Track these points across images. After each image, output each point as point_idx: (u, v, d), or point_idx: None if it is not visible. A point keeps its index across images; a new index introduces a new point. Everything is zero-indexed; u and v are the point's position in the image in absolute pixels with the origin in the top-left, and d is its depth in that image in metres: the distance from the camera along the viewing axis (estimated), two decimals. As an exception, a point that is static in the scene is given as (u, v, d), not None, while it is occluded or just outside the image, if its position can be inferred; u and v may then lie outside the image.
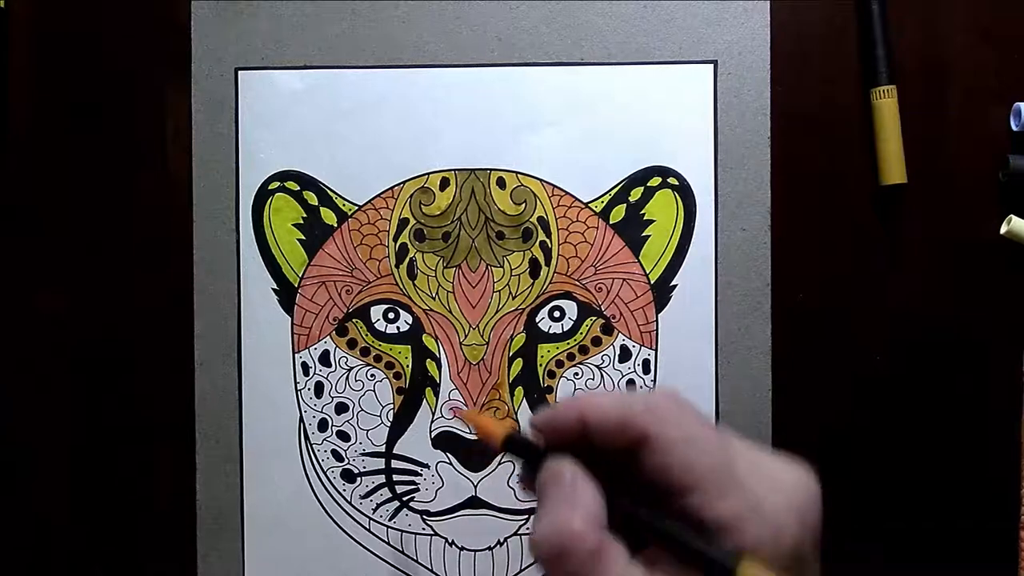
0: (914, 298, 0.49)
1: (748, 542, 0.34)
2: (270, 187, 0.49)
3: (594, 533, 0.35)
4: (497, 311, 0.49)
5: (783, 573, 0.33)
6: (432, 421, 0.49)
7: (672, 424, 0.36)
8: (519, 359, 0.49)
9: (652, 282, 0.49)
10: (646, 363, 0.49)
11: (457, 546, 0.49)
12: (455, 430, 0.49)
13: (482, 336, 0.49)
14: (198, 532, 0.50)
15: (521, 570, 0.49)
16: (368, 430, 0.49)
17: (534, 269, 0.49)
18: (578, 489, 0.37)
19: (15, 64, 0.50)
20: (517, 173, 0.49)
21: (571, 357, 0.49)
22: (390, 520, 0.49)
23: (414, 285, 0.49)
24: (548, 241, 0.49)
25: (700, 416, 0.36)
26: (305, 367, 0.49)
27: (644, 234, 0.49)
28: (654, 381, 0.49)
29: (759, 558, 0.33)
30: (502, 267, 0.49)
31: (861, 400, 0.49)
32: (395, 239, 0.49)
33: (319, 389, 0.49)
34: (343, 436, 0.49)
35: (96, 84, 0.50)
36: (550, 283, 0.49)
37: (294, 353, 0.49)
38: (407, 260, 0.49)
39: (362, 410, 0.49)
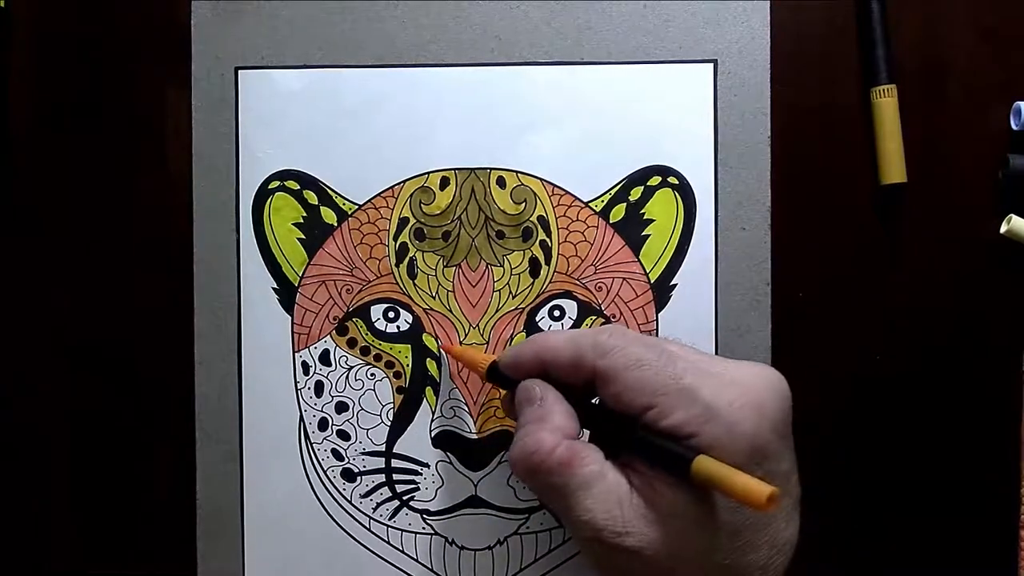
0: (914, 298, 0.49)
1: (704, 443, 0.37)
2: (270, 186, 0.49)
3: (563, 444, 0.39)
4: (497, 310, 0.49)
5: (740, 464, 0.36)
6: (432, 420, 0.49)
7: (616, 355, 0.39)
8: (519, 358, 0.49)
9: (652, 281, 0.49)
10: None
11: (457, 545, 0.49)
12: (455, 429, 0.49)
13: (482, 335, 0.49)
14: (198, 532, 0.50)
15: (521, 569, 0.49)
16: (368, 429, 0.49)
17: (534, 268, 0.49)
18: (547, 403, 0.41)
19: (15, 64, 0.50)
20: (517, 172, 0.49)
21: (571, 356, 0.49)
22: (390, 519, 0.49)
23: (414, 284, 0.49)
24: (548, 240, 0.49)
25: (645, 342, 0.39)
26: (305, 366, 0.49)
27: (644, 233, 0.49)
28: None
29: (713, 455, 0.36)
30: (502, 266, 0.49)
31: (861, 400, 0.49)
32: (395, 238, 0.49)
33: (319, 388, 0.49)
34: (343, 435, 0.49)
35: (96, 84, 0.50)
36: (550, 282, 0.49)
37: (294, 352, 0.49)
38: (407, 259, 0.49)
39: (362, 409, 0.49)
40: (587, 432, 0.41)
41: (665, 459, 0.37)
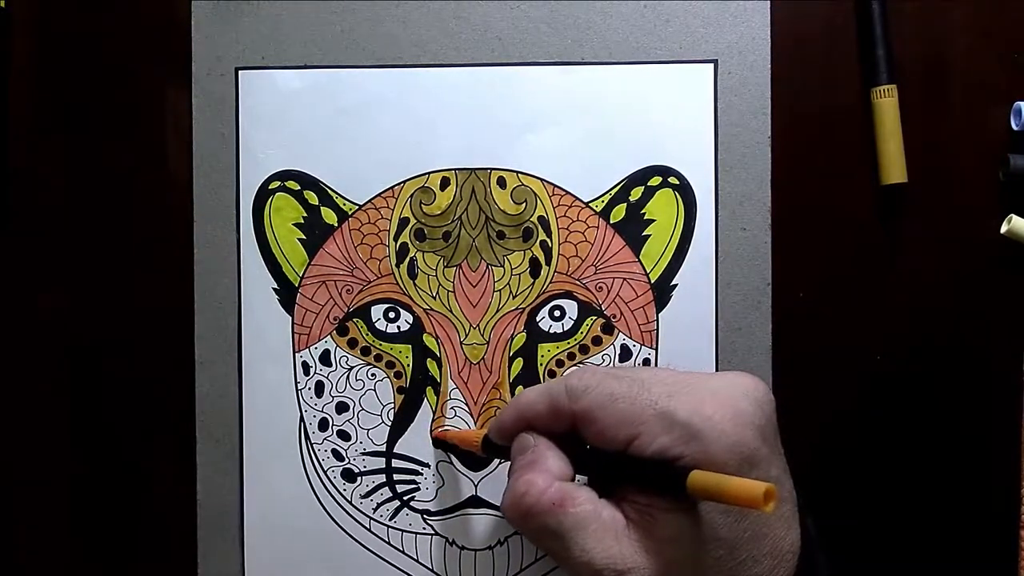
0: (914, 298, 0.49)
1: (691, 462, 0.37)
2: (270, 187, 0.49)
3: (554, 486, 0.39)
4: (497, 311, 0.49)
5: (731, 474, 0.36)
6: (433, 420, 0.49)
7: (589, 395, 0.39)
8: (519, 359, 0.49)
9: (652, 282, 0.49)
10: (646, 362, 0.49)
11: (457, 545, 0.49)
12: (455, 430, 0.49)
13: (482, 336, 0.49)
14: (198, 532, 0.50)
15: (521, 570, 0.49)
16: (369, 429, 0.49)
17: (534, 268, 0.49)
18: (539, 449, 0.41)
19: (15, 64, 0.50)
20: (517, 172, 0.49)
21: (571, 356, 0.49)
22: (390, 520, 0.49)
23: (414, 284, 0.49)
24: (548, 240, 0.49)
25: (615, 376, 0.40)
26: (305, 366, 0.49)
27: (644, 233, 0.49)
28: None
29: (704, 470, 0.36)
30: (502, 267, 0.49)
31: (861, 400, 0.49)
32: (395, 238, 0.49)
33: (319, 388, 0.49)
34: (343, 435, 0.49)
35: (96, 84, 0.50)
36: (550, 283, 0.49)
37: (294, 352, 0.49)
38: (407, 259, 0.49)
39: (363, 409, 0.49)
40: (580, 477, 0.42)
41: (658, 483, 0.37)
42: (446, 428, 0.49)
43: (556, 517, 0.38)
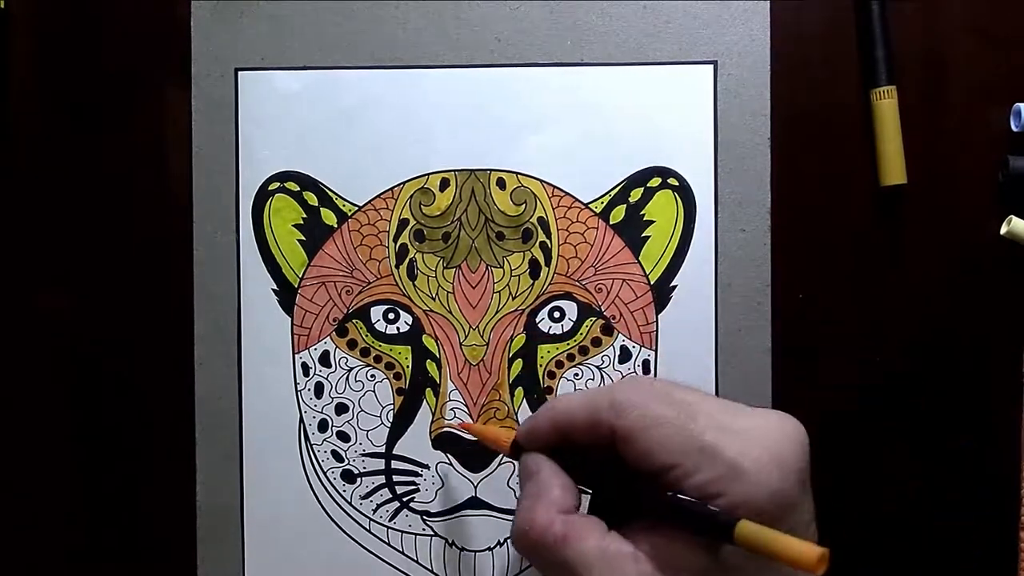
0: (914, 298, 0.49)
1: (731, 502, 0.36)
2: (270, 187, 0.49)
3: (558, 520, 0.37)
4: (497, 312, 0.49)
5: (767, 521, 0.34)
6: (432, 422, 0.49)
7: (634, 415, 0.37)
8: (519, 360, 0.49)
9: (652, 282, 0.49)
10: (646, 364, 0.49)
11: (457, 546, 0.49)
12: (455, 431, 0.49)
13: (482, 337, 0.49)
14: (198, 532, 0.50)
15: (521, 571, 0.50)
16: (368, 431, 0.49)
17: (534, 270, 0.49)
18: (542, 479, 0.39)
19: (15, 64, 0.50)
20: (517, 174, 0.49)
21: (571, 358, 0.49)
22: (390, 521, 0.50)
23: (414, 286, 0.49)
24: (548, 242, 0.49)
25: (663, 397, 0.38)
26: (305, 367, 0.49)
27: (644, 235, 0.49)
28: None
29: (740, 514, 0.34)
30: (502, 268, 0.49)
31: (861, 400, 0.49)
32: (395, 239, 0.49)
33: (319, 389, 0.49)
34: (343, 437, 0.49)
35: (96, 84, 0.50)
36: (550, 284, 0.49)
37: (294, 353, 0.49)
38: (407, 261, 0.49)
39: (362, 411, 0.49)
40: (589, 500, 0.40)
41: (698, 523, 0.36)
42: (465, 423, 0.49)
43: (562, 553, 0.36)
